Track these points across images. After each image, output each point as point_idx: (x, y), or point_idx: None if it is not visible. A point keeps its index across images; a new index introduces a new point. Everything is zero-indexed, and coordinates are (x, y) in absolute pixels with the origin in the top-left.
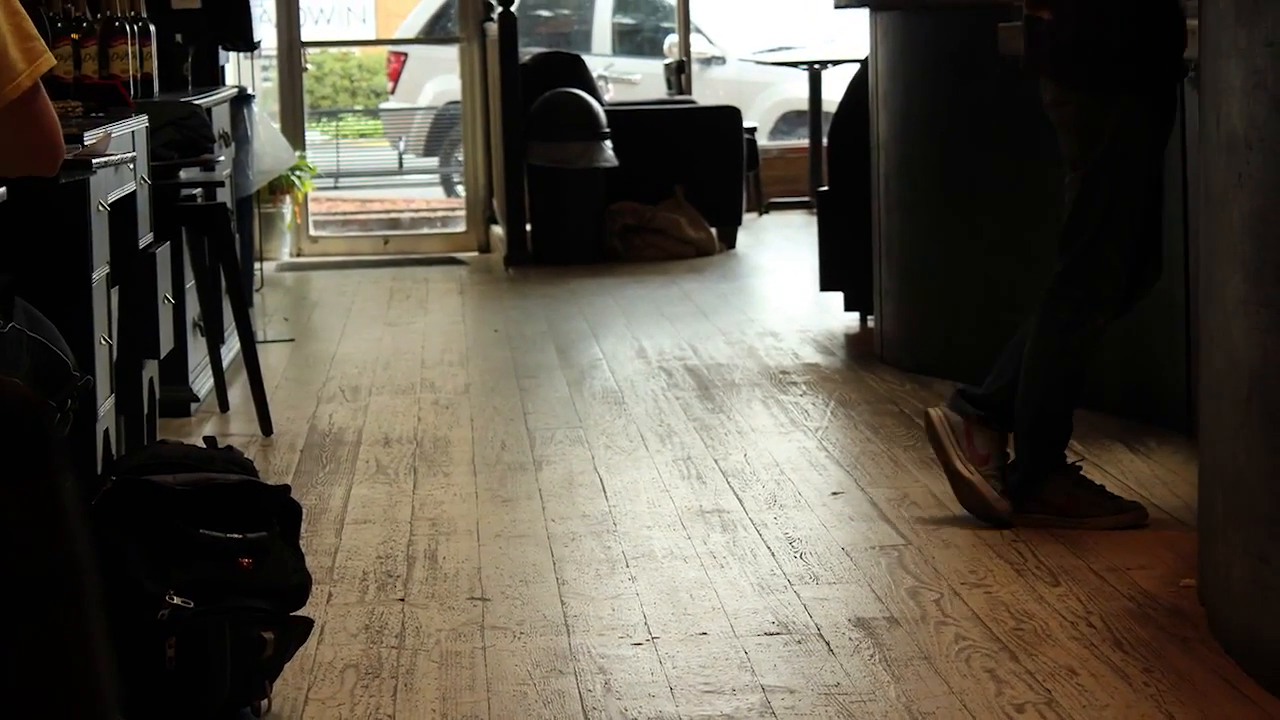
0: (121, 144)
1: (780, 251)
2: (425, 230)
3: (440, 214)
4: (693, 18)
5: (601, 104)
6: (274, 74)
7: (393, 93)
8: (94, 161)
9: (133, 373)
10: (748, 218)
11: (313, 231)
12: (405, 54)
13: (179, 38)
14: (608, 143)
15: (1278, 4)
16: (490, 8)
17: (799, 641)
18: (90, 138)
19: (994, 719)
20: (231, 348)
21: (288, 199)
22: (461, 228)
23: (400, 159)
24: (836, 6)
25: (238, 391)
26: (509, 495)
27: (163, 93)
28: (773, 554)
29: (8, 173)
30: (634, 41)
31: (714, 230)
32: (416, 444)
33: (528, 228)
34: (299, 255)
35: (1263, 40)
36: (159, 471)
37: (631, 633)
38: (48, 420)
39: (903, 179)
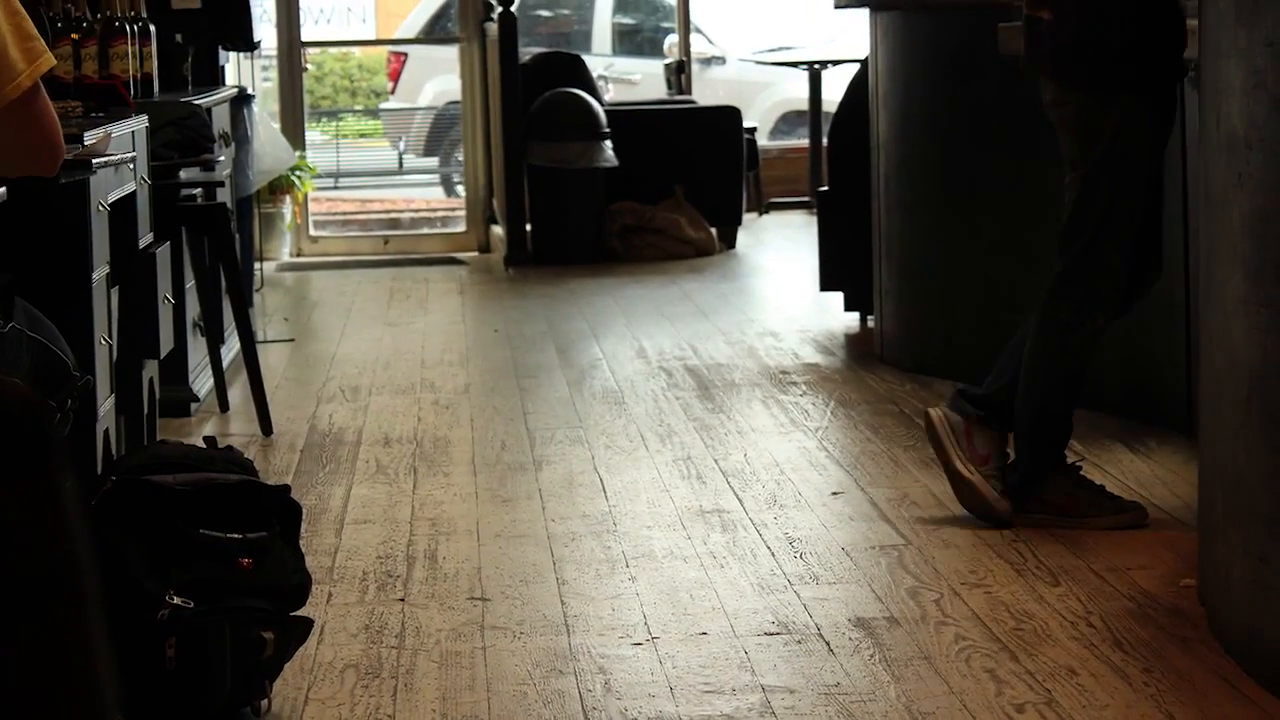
0: (121, 144)
1: (780, 251)
2: (425, 230)
3: (440, 214)
4: (693, 18)
5: (601, 104)
6: (274, 74)
7: (393, 93)
8: (94, 161)
9: (133, 373)
10: (748, 218)
11: (313, 231)
12: (405, 54)
13: (179, 38)
14: (608, 143)
15: (1278, 4)
16: (490, 8)
17: (799, 641)
18: (90, 138)
19: (994, 719)
20: (231, 348)
21: (288, 199)
22: (461, 228)
23: (400, 159)
24: (836, 6)
25: (238, 391)
26: (509, 495)
27: (163, 93)
28: (773, 554)
29: (8, 173)
30: (634, 41)
31: (714, 230)
32: (416, 444)
33: (528, 228)
34: (299, 255)
35: (1263, 40)
36: (159, 471)
37: (631, 633)
38: (48, 420)
39: (903, 179)
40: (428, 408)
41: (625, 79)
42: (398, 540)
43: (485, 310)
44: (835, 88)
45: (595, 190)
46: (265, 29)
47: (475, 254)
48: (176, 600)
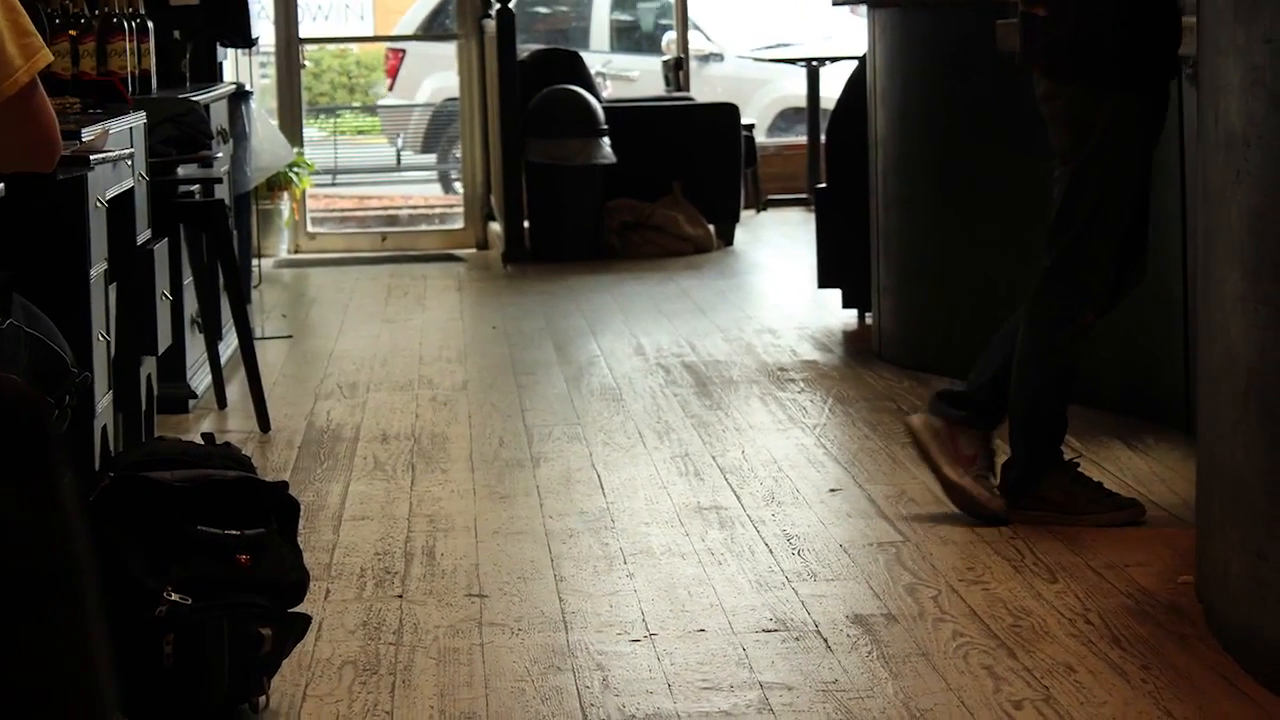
0: (119, 140)
1: (778, 248)
2: (423, 227)
3: (438, 211)
4: (691, 14)
5: (600, 101)
6: (272, 70)
7: (390, 89)
8: (92, 158)
9: (131, 369)
10: (745, 215)
11: (310, 228)
12: (403, 50)
13: (177, 34)
14: (606, 139)
15: (1276, 1)
16: (488, 4)
17: (797, 638)
18: (88, 134)
19: (992, 716)
20: (229, 344)
21: (285, 195)
22: (459, 224)
23: (398, 156)
24: (834, 3)
25: (235, 388)
26: (507, 492)
27: (161, 89)
28: (770, 551)
29: (6, 169)
30: (632, 38)
31: (712, 227)
32: (414, 440)
33: (526, 224)
34: (297, 252)
35: (1261, 37)
36: (157, 468)
37: (629, 629)
38: (46, 417)
39: (901, 176)
40: (425, 404)
41: (623, 76)
42: (395, 537)
43: (483, 307)
44: (833, 85)
45: (593, 187)
46: (263, 26)
47: (473, 251)
48: (174, 597)
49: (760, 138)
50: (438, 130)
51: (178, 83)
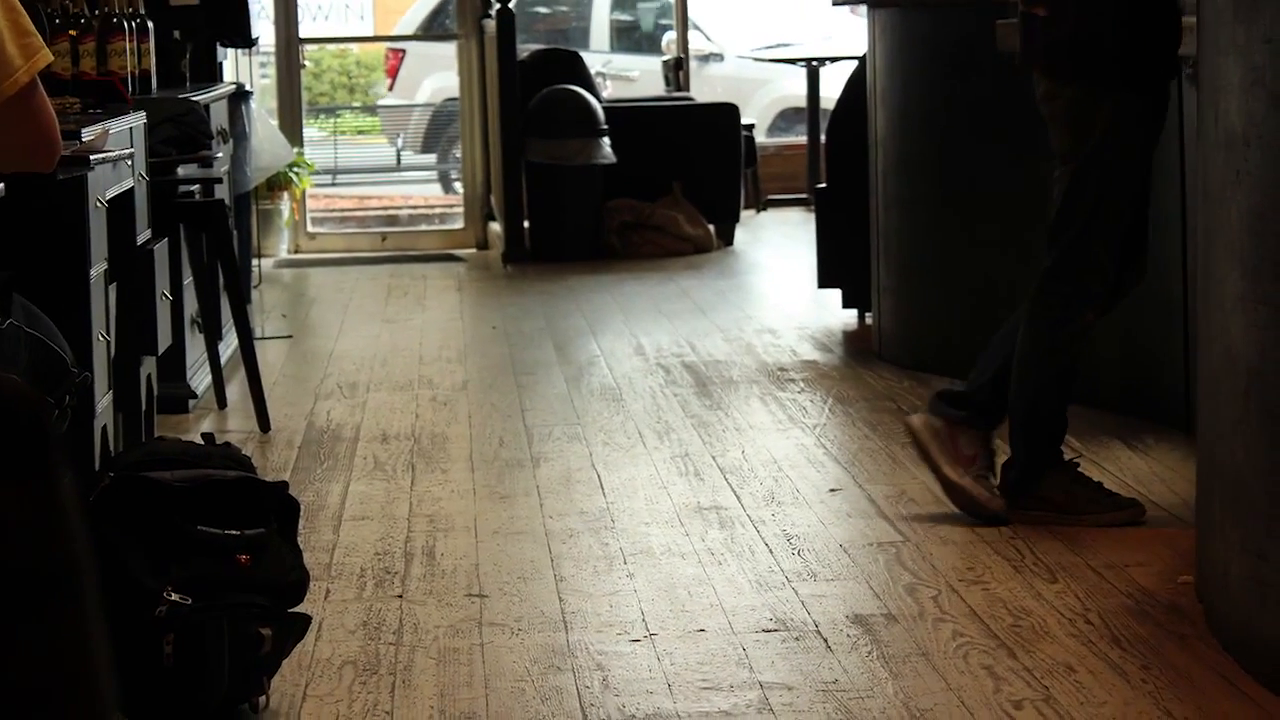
0: (119, 140)
1: (778, 249)
2: (423, 227)
3: (438, 211)
4: (691, 14)
5: (600, 101)
6: (272, 70)
7: (390, 89)
8: (92, 158)
9: (131, 369)
10: (745, 215)
11: (310, 228)
12: (403, 50)
13: (177, 34)
14: (606, 139)
15: (1276, 1)
16: (488, 4)
17: (797, 638)
18: (88, 134)
19: (992, 716)
20: (229, 344)
21: (285, 195)
22: (459, 224)
23: (398, 156)
24: (834, 3)
25: (235, 388)
26: (507, 492)
27: (161, 89)
28: (770, 551)
29: (6, 169)
30: (632, 38)
31: (712, 227)
32: (414, 440)
33: (525, 224)
34: (297, 252)
35: (1261, 37)
36: (157, 468)
37: (629, 629)
38: (46, 417)
39: (901, 176)
40: (425, 404)
41: (623, 76)
42: (395, 537)
43: (483, 307)
44: (833, 85)
45: (593, 187)
46: (263, 26)
47: (473, 251)
48: (174, 597)
49: (760, 138)
50: (438, 130)
51: (178, 83)
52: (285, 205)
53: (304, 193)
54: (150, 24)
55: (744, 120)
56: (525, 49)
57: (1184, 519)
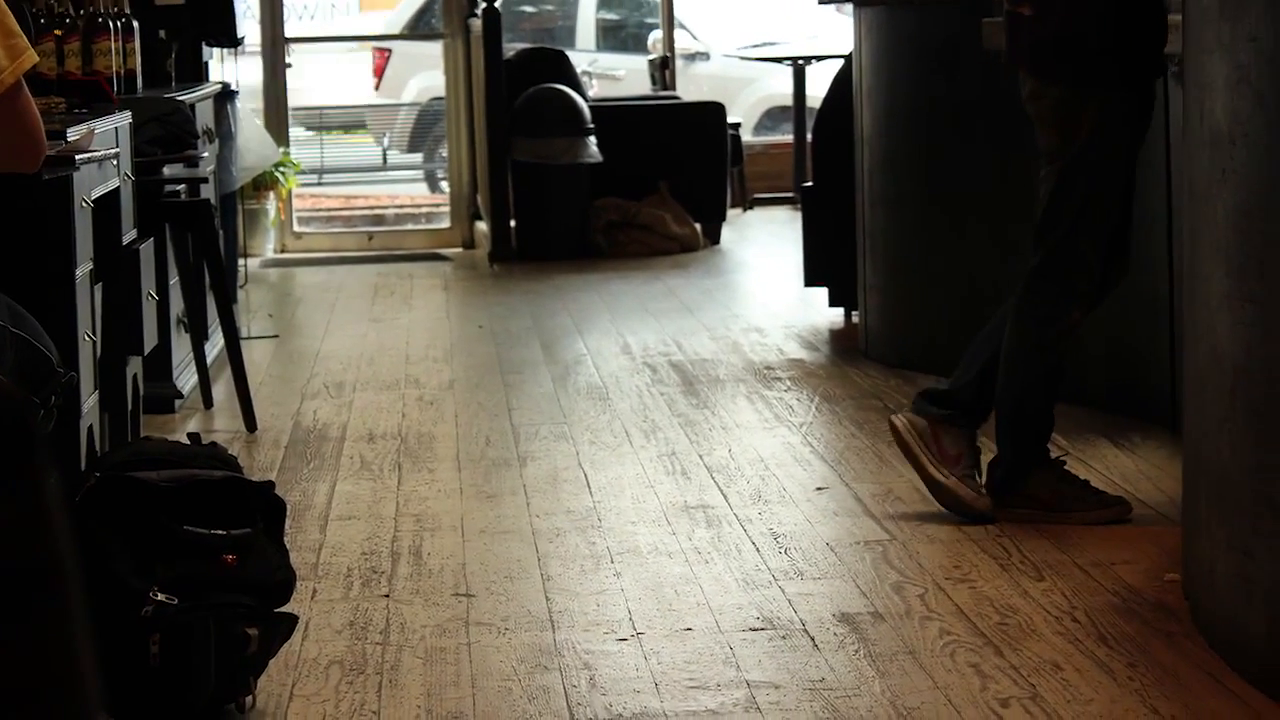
0: (105, 140)
1: (764, 247)
2: (409, 226)
3: (424, 210)
4: (677, 13)
5: (586, 100)
6: (259, 70)
7: (377, 89)
8: (77, 158)
9: (116, 369)
10: (732, 213)
11: (296, 228)
12: (389, 50)
13: (162, 34)
14: (592, 138)
15: None
16: (474, 3)
17: (784, 637)
18: (74, 134)
19: (979, 714)
20: (215, 344)
21: (271, 195)
22: (446, 224)
23: (384, 155)
24: (820, 2)
25: (222, 388)
26: (493, 491)
27: (146, 89)
28: (757, 549)
29: None
30: (618, 37)
31: (698, 226)
32: (401, 440)
33: (512, 224)
34: (283, 251)
35: (1246, 35)
36: (143, 468)
37: (616, 628)
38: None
39: (887, 174)
40: (412, 404)
41: (609, 75)
42: (382, 536)
43: (470, 306)
44: (819, 83)
45: (580, 186)
46: (249, 25)
47: (459, 250)
48: (160, 597)
49: (746, 136)
50: (424, 129)
51: (163, 82)
52: (271, 205)
53: (290, 192)
54: (135, 23)
55: (730, 119)
56: (511, 48)
57: (1170, 517)
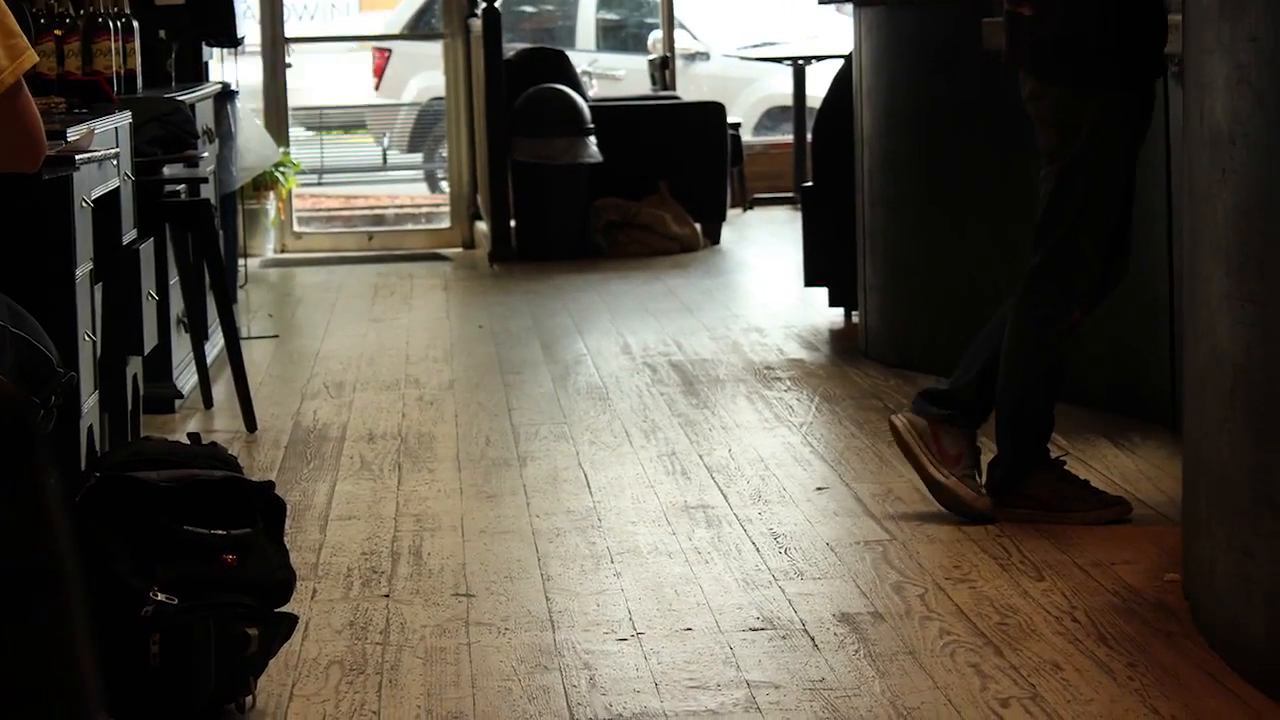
0: (105, 140)
1: (764, 247)
2: (409, 226)
3: (424, 210)
4: (677, 13)
5: (586, 99)
6: (259, 70)
7: (377, 89)
8: (77, 158)
9: (116, 369)
10: (732, 213)
11: (296, 228)
12: (389, 50)
13: (162, 34)
14: (592, 138)
15: None
16: (474, 3)
17: (784, 637)
18: (73, 134)
19: (979, 714)
20: (215, 344)
21: (271, 195)
22: (446, 224)
23: (384, 155)
24: (820, 2)
25: (222, 388)
26: (493, 491)
27: (146, 89)
28: (757, 549)
29: None
30: (618, 37)
31: (698, 226)
32: (401, 440)
33: (512, 224)
34: (283, 251)
35: (1246, 35)
36: (143, 468)
37: (616, 628)
38: (31, 417)
39: (887, 174)
40: (412, 404)
41: (609, 74)
42: (382, 536)
43: (470, 306)
44: (819, 83)
45: (579, 186)
46: (249, 25)
47: (459, 250)
48: (161, 597)
49: (746, 136)
50: (424, 129)
51: (163, 82)
52: (271, 205)
53: (290, 192)
54: (135, 23)
55: (730, 119)
56: (511, 48)
57: (1170, 517)
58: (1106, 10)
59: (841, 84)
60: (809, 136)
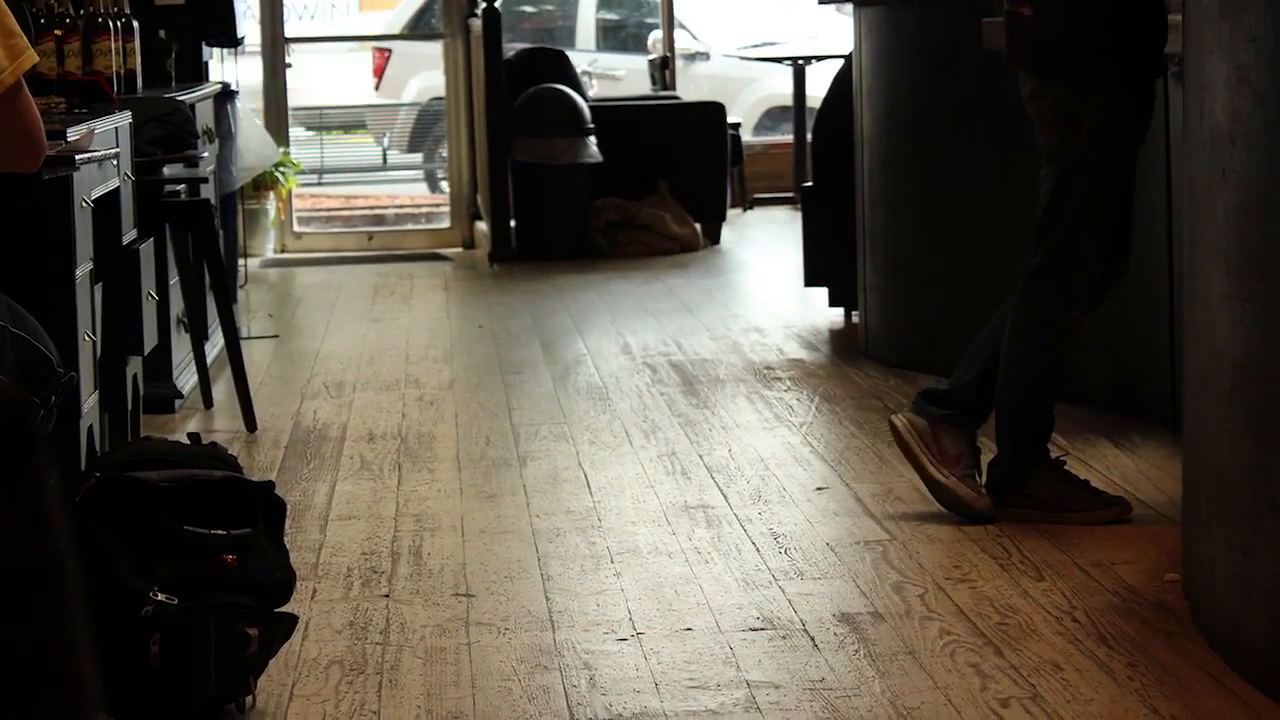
0: (105, 140)
1: (764, 247)
2: (409, 226)
3: (424, 210)
4: (677, 13)
5: (586, 99)
6: (259, 70)
7: (377, 89)
8: (77, 158)
9: (116, 369)
10: (732, 213)
11: (296, 228)
12: (389, 50)
13: (162, 33)
14: (592, 138)
15: None
16: (474, 3)
17: (784, 637)
18: (74, 134)
19: (979, 714)
20: (215, 344)
21: (271, 195)
22: (446, 224)
23: (384, 155)
24: (820, 2)
25: (222, 388)
26: (493, 491)
27: (146, 89)
28: (757, 549)
29: None
30: (618, 37)
31: (698, 226)
32: (401, 440)
33: (512, 223)
34: (283, 251)
35: (1246, 35)
36: (143, 468)
37: (616, 628)
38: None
39: (887, 174)
40: (412, 404)
41: (609, 74)
42: (382, 536)
43: (470, 306)
44: (819, 83)
45: (579, 186)
46: (249, 25)
47: (459, 250)
48: (161, 597)
49: (746, 136)
50: (424, 129)
51: (163, 82)
52: (271, 205)
53: (290, 192)
54: (135, 23)
55: (730, 119)
56: (511, 48)
57: (1170, 517)
58: (1106, 10)
59: (841, 84)
60: (809, 136)
